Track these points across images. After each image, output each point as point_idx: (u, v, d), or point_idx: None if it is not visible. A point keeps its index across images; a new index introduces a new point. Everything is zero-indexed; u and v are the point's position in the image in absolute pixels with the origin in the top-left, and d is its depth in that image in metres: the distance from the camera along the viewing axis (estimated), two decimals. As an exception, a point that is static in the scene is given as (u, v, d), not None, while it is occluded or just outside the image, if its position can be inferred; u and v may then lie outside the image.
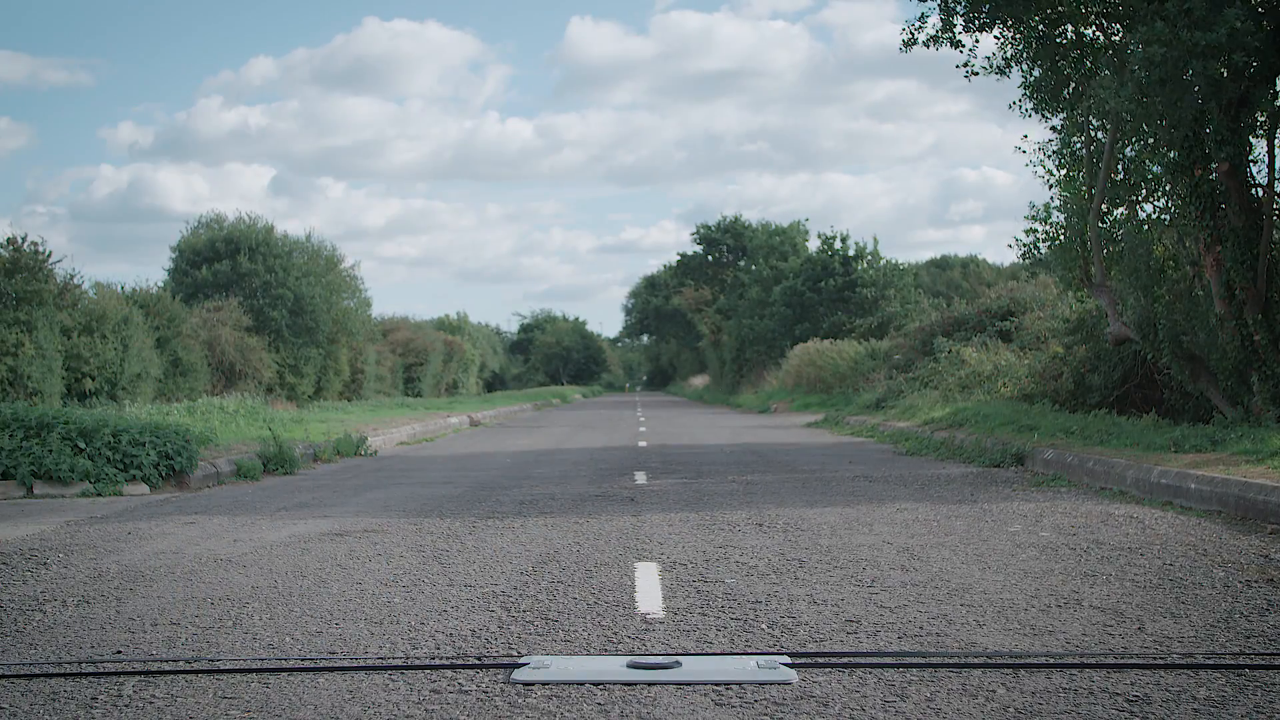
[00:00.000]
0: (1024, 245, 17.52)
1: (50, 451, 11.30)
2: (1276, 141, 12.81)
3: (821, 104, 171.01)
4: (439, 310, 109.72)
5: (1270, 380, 12.40)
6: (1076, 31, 14.22)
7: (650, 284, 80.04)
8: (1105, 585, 5.88)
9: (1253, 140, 12.73)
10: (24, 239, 21.71)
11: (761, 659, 4.42)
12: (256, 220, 37.87)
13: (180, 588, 6.15)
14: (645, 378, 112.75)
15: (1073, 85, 14.50)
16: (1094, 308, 17.22)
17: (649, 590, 5.90)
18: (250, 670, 4.39)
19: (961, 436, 15.60)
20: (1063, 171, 16.17)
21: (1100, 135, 15.06)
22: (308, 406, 29.97)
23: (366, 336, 41.86)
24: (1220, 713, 3.75)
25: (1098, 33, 14.11)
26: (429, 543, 7.62)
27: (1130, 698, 3.91)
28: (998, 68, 14.46)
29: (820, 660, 4.41)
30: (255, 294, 35.47)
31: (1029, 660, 4.38)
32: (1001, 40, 14.29)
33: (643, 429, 24.91)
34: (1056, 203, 16.65)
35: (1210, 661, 4.34)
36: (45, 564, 6.98)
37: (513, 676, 4.25)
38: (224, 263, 35.95)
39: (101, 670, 4.42)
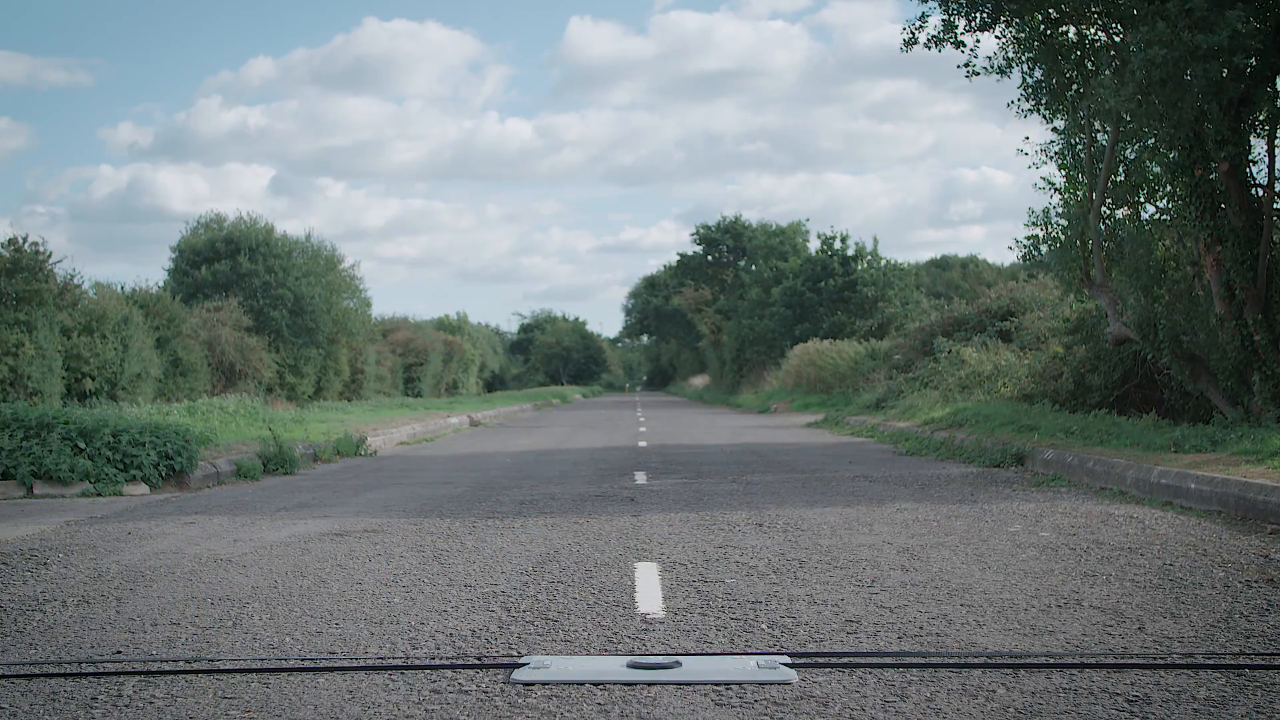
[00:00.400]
0: (1025, 248, 17.52)
1: (50, 451, 11.30)
2: (1276, 141, 12.81)
3: (821, 104, 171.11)
4: (439, 310, 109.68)
5: (1270, 380, 12.40)
6: (1078, 32, 14.22)
7: (650, 284, 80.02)
8: (1105, 585, 5.88)
9: (1253, 140, 12.73)
10: (24, 239, 21.72)
11: (761, 659, 4.42)
12: (256, 220, 37.88)
13: (180, 588, 6.15)
14: (645, 378, 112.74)
15: (1074, 86, 14.50)
16: (1094, 308, 17.22)
17: (649, 590, 5.89)
18: (250, 670, 4.39)
19: (961, 437, 15.60)
20: (1064, 173, 16.18)
21: (1101, 136, 15.06)
22: (308, 406, 29.98)
23: (366, 336, 41.86)
24: (1220, 713, 3.75)
25: (1099, 33, 14.11)
26: (429, 543, 7.62)
27: (1130, 698, 3.91)
28: (999, 68, 14.46)
29: (820, 660, 4.41)
30: (255, 294, 35.47)
31: (1029, 660, 4.38)
32: (1003, 40, 14.29)
33: (643, 429, 24.91)
34: (1057, 205, 16.65)
35: (1210, 661, 4.34)
36: (45, 564, 6.98)
37: (513, 676, 4.25)
38: (224, 263, 35.95)
39: (101, 670, 4.42)
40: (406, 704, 3.94)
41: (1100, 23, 14.01)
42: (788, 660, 4.41)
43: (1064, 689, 4.02)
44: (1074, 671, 4.25)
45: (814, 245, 51.75)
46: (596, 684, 4.16)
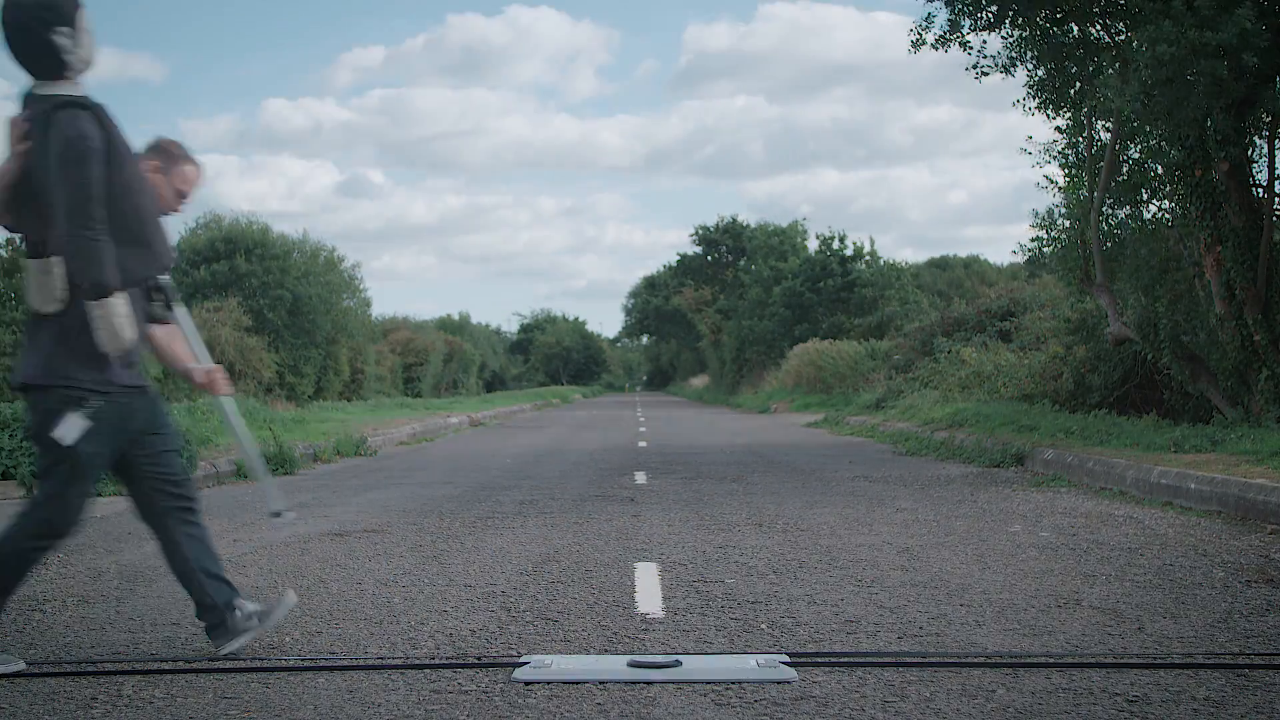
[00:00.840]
0: (1028, 251, 17.53)
1: (50, 451, 11.30)
2: (1278, 142, 12.82)
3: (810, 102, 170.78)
4: (440, 310, 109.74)
5: (1270, 380, 12.40)
6: (1082, 30, 14.22)
7: (650, 284, 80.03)
8: (1105, 585, 5.88)
9: (1256, 140, 12.74)
10: (21, 239, 21.71)
11: (761, 659, 4.42)
12: (253, 220, 37.89)
13: (180, 587, 6.13)
14: (645, 378, 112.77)
15: (1077, 85, 14.51)
16: (1094, 308, 17.22)
17: (649, 590, 5.90)
18: (250, 670, 4.39)
19: (961, 436, 15.60)
20: (1066, 172, 16.19)
21: (1103, 135, 15.07)
22: (308, 406, 29.95)
23: (366, 336, 41.86)
24: (1220, 713, 3.74)
25: (1102, 32, 14.12)
26: (429, 543, 7.62)
27: (1130, 698, 3.91)
28: (1003, 66, 14.46)
29: (820, 660, 4.41)
30: (254, 294, 35.46)
31: (1028, 660, 4.38)
32: (1009, 40, 14.30)
33: (642, 429, 24.91)
34: (1059, 205, 16.67)
35: (1210, 661, 4.34)
36: (45, 564, 6.97)
37: (513, 676, 4.25)
38: (222, 263, 35.95)
39: (101, 670, 4.42)
40: (406, 704, 3.94)
41: (1103, 22, 14.01)
42: (787, 660, 4.41)
43: (1063, 689, 4.02)
44: (1073, 671, 4.25)
45: (813, 245, 51.79)
46: (597, 683, 4.16)
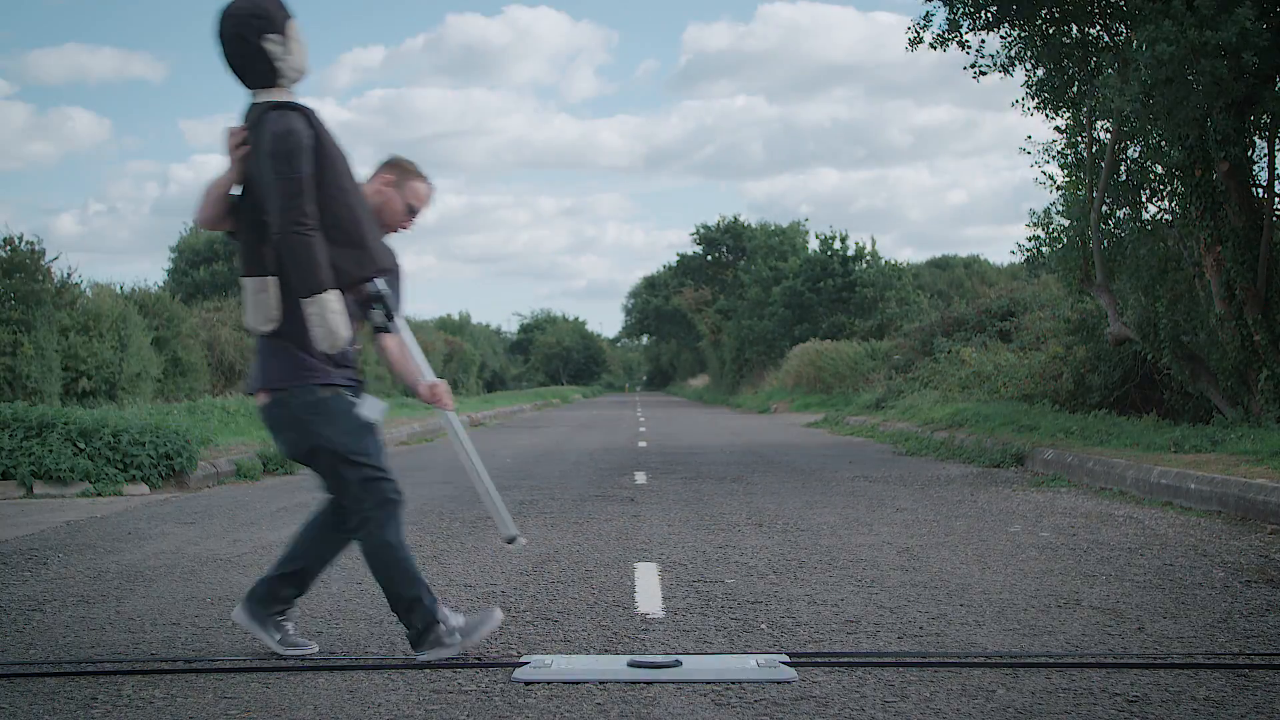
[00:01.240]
0: (1027, 250, 17.53)
1: (50, 451, 11.30)
2: (1278, 142, 12.82)
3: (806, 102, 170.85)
4: (440, 310, 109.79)
5: (1270, 380, 12.40)
6: (1081, 30, 14.23)
7: (650, 284, 80.00)
8: (1105, 585, 5.88)
9: (1256, 140, 12.74)
10: (20, 238, 21.72)
11: (761, 659, 4.42)
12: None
13: (180, 587, 6.15)
14: (645, 378, 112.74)
15: (1076, 85, 14.51)
16: (1094, 308, 17.22)
17: (649, 590, 5.90)
18: (250, 670, 4.39)
19: (961, 436, 15.60)
20: (1065, 172, 16.18)
21: (1103, 135, 15.06)
22: (308, 406, 29.93)
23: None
24: (1220, 713, 3.74)
25: (1102, 32, 14.12)
26: (429, 542, 7.62)
27: (1130, 698, 3.91)
28: (1002, 65, 14.46)
29: (820, 660, 4.41)
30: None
31: (1028, 660, 4.38)
32: (1008, 39, 14.30)
33: (643, 429, 24.90)
34: (1059, 205, 16.67)
35: (1210, 661, 4.34)
36: (45, 564, 6.98)
37: (513, 676, 4.25)
38: (222, 264, 35.98)
39: (101, 670, 4.42)
40: (406, 704, 3.94)
41: (1102, 22, 14.02)
42: (787, 660, 4.41)
43: (1063, 689, 4.02)
44: (1073, 671, 4.25)
45: (814, 245, 51.78)
46: (597, 683, 4.16)
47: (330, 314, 4.19)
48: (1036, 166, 16.71)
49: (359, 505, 4.42)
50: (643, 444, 19.06)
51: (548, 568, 6.60)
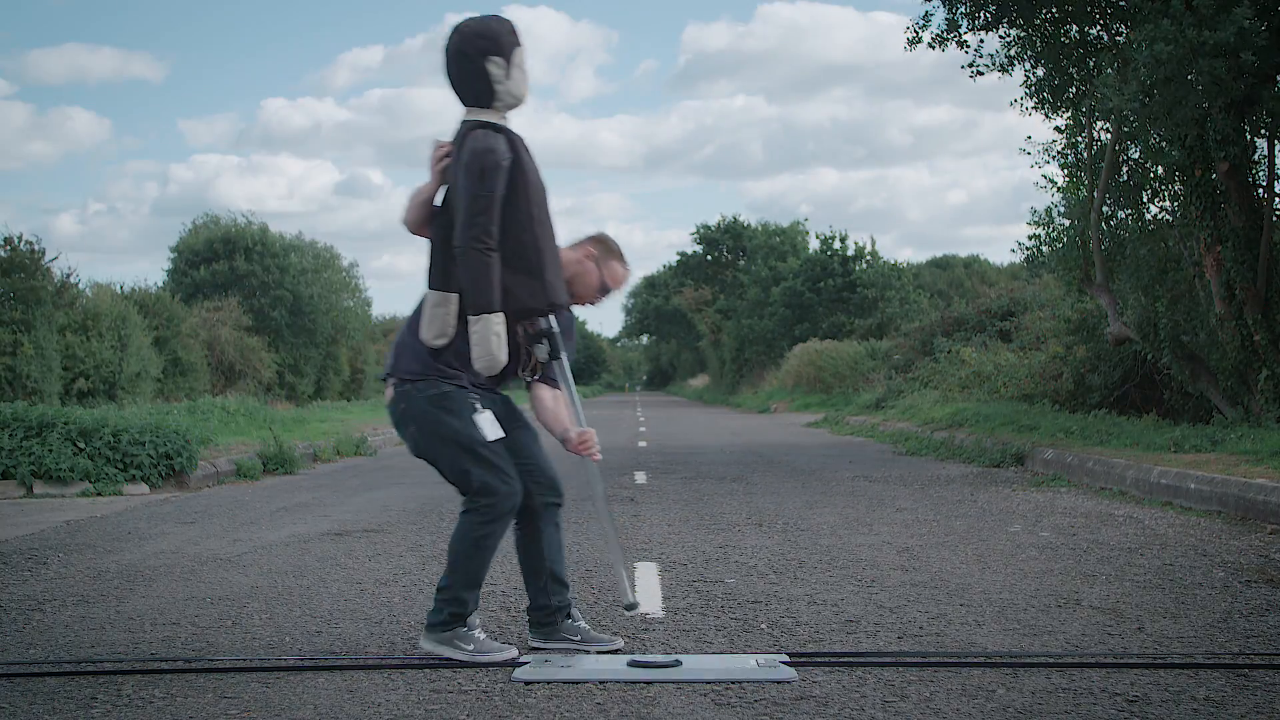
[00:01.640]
0: (1028, 250, 17.53)
1: (50, 451, 11.30)
2: (1278, 141, 12.82)
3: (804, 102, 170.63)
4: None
5: (1270, 380, 12.40)
6: (1081, 30, 14.23)
7: (650, 284, 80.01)
8: (1105, 585, 5.88)
9: (1256, 140, 12.74)
10: (20, 238, 21.73)
11: (761, 658, 4.42)
12: (252, 220, 37.93)
13: (180, 587, 6.15)
14: (645, 378, 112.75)
15: (1075, 84, 14.51)
16: (1094, 308, 17.23)
17: (649, 590, 5.89)
18: (250, 670, 4.39)
19: (961, 436, 15.60)
20: (1065, 172, 16.19)
21: (1103, 135, 15.07)
22: (308, 406, 29.99)
23: (367, 336, 41.88)
24: (1220, 713, 3.74)
25: (1102, 32, 14.12)
26: (429, 542, 7.62)
27: (1130, 698, 3.91)
28: (1001, 65, 14.46)
29: (820, 660, 4.41)
30: (254, 294, 35.48)
31: (1028, 660, 4.38)
32: (1007, 39, 14.30)
33: (643, 429, 24.90)
34: (1059, 205, 16.67)
35: (1210, 661, 4.34)
36: (45, 564, 6.98)
37: (513, 676, 4.24)
38: (222, 263, 35.97)
39: (101, 670, 4.42)
40: (406, 703, 3.94)
41: (1102, 22, 14.02)
42: (787, 660, 4.41)
43: (1063, 689, 4.02)
44: (1073, 671, 4.25)
45: (813, 245, 51.78)
46: (596, 683, 4.16)
47: (493, 336, 4.22)
48: (1037, 167, 16.75)
49: (476, 499, 4.42)
50: (643, 444, 19.06)
51: (548, 567, 6.60)
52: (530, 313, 4.37)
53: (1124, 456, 10.92)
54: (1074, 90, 14.61)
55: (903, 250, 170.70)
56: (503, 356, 4.27)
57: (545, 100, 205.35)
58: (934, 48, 14.33)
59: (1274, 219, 12.55)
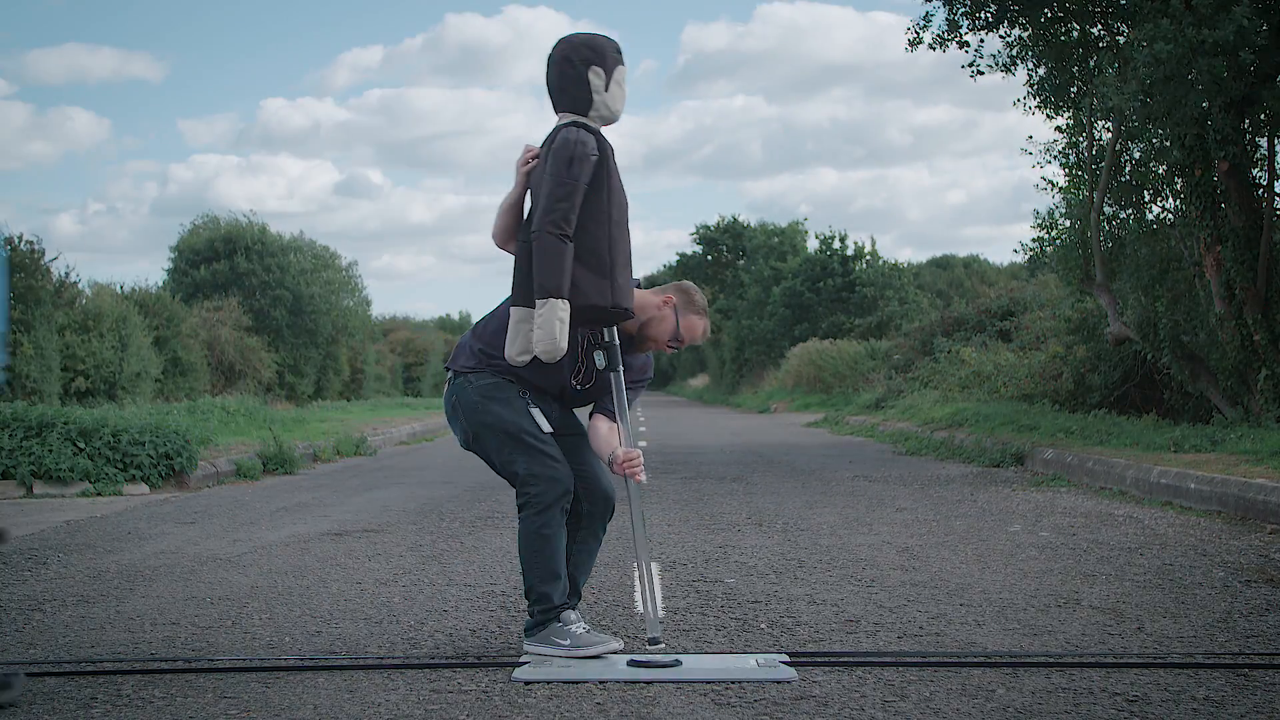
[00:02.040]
0: (1030, 250, 17.53)
1: (50, 451, 11.29)
2: (1278, 141, 12.82)
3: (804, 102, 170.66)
4: (440, 310, 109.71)
5: (1270, 380, 12.40)
6: (1082, 30, 14.23)
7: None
8: (1105, 585, 5.88)
9: (1257, 140, 12.74)
10: (20, 237, 21.73)
11: (761, 658, 4.42)
12: (252, 220, 37.93)
13: (179, 587, 6.15)
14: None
15: (1077, 84, 14.51)
16: (1094, 308, 17.23)
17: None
18: (249, 669, 4.39)
19: (961, 436, 15.60)
20: (1066, 172, 16.20)
21: (1104, 135, 15.07)
22: (307, 406, 29.99)
23: (366, 336, 41.88)
24: (1220, 713, 3.74)
25: (1103, 31, 14.13)
26: (428, 542, 7.62)
27: (1129, 697, 3.91)
28: (1003, 65, 14.46)
29: (819, 660, 4.41)
30: (254, 294, 35.48)
31: (1028, 660, 4.38)
32: (1008, 39, 14.30)
33: (643, 428, 24.90)
34: (1060, 205, 16.68)
35: (1210, 661, 4.34)
36: (45, 564, 6.98)
37: (513, 675, 4.24)
38: (222, 263, 35.97)
39: (101, 670, 4.42)
40: (406, 703, 3.94)
41: (1103, 22, 14.02)
42: (787, 660, 4.41)
43: (1063, 689, 4.02)
44: (1073, 671, 4.25)
45: (813, 245, 51.77)
46: (596, 683, 4.16)
47: (556, 321, 4.21)
48: (1038, 167, 16.73)
49: (525, 488, 4.44)
50: (643, 443, 19.05)
51: (547, 567, 6.59)
52: (594, 310, 4.34)
53: (1124, 456, 10.92)
54: (1075, 90, 14.61)
55: (902, 250, 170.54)
56: (563, 344, 4.25)
57: (545, 100, 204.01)
58: (935, 49, 14.34)
59: (1274, 219, 12.55)
